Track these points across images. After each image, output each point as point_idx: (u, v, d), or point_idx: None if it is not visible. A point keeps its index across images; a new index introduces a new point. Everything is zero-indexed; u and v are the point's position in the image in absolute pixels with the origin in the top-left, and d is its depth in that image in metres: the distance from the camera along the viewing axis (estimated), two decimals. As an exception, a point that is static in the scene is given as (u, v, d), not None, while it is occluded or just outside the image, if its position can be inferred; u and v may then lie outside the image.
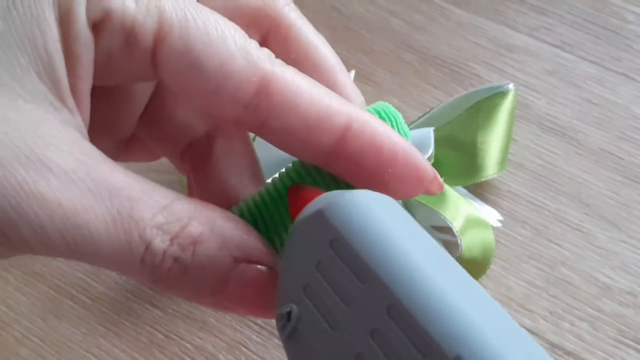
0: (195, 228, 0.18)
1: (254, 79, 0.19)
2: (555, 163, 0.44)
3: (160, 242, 0.18)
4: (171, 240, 0.18)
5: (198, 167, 0.23)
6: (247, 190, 0.22)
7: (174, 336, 0.38)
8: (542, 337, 0.38)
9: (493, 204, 0.42)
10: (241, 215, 0.21)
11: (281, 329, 0.17)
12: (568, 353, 0.38)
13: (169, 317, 0.38)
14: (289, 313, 0.17)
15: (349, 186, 0.20)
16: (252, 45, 0.19)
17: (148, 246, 0.18)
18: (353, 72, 0.47)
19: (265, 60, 0.19)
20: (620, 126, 0.46)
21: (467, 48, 0.49)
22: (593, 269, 0.40)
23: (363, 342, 0.15)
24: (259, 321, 0.38)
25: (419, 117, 0.43)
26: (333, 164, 0.20)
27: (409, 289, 0.15)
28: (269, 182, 0.21)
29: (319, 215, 0.17)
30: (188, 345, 0.38)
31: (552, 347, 0.38)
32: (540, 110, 0.46)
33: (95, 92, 0.20)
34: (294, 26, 0.22)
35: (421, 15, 0.51)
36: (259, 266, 0.19)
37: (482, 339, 0.14)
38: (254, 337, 0.38)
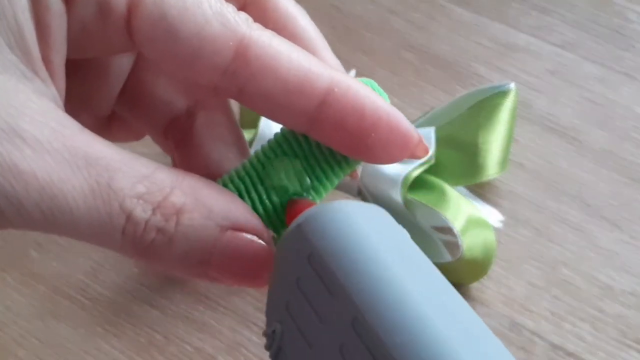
0: (178, 197, 0.18)
1: (231, 44, 0.19)
2: (556, 163, 0.44)
3: (141, 212, 0.18)
4: (153, 210, 0.18)
5: (181, 144, 0.23)
6: (232, 164, 0.22)
7: (173, 337, 0.38)
8: (543, 337, 0.38)
9: (494, 204, 0.42)
10: (225, 187, 0.20)
11: (267, 348, 0.17)
12: (569, 354, 0.37)
13: (168, 318, 0.38)
14: (274, 332, 0.17)
15: (332, 154, 0.20)
16: (229, 9, 0.19)
17: (129, 217, 0.17)
18: (353, 72, 0.47)
19: (242, 24, 0.19)
20: (622, 126, 0.46)
21: (468, 47, 0.49)
22: (594, 270, 0.40)
23: (334, 359, 0.14)
24: (259, 322, 0.38)
25: (420, 117, 0.43)
26: (315, 129, 0.20)
27: (372, 301, 0.14)
28: (252, 154, 0.21)
29: (298, 229, 0.17)
30: (187, 347, 0.37)
31: (553, 347, 0.38)
32: (542, 110, 0.46)
33: (72, 65, 0.19)
34: None
35: (422, 15, 0.51)
36: (246, 235, 0.19)
37: (443, 350, 0.13)
38: (254, 338, 0.38)
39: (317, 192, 0.21)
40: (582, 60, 0.48)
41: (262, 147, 0.21)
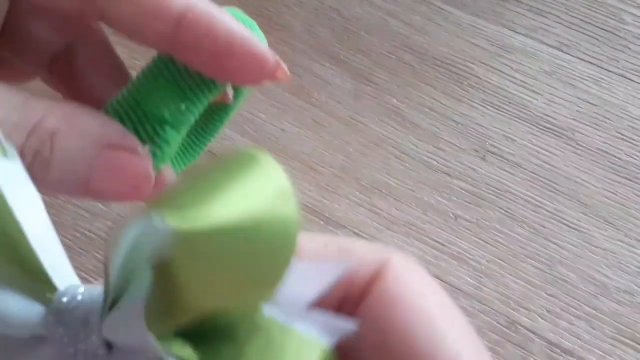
0: (51, 122, 0.19)
1: None
2: (553, 163, 0.44)
3: (16, 139, 0.18)
4: (28, 135, 0.18)
5: (66, 80, 0.23)
6: (114, 95, 0.23)
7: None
8: (540, 335, 0.38)
9: (491, 204, 0.43)
10: (106, 114, 0.21)
11: None
12: (566, 352, 0.38)
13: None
14: None
15: (200, 77, 0.21)
16: None
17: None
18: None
19: None
20: (617, 126, 0.46)
21: (466, 49, 0.49)
22: (591, 268, 0.40)
23: None
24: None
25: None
26: (176, 52, 0.20)
27: None
28: (132, 79, 0.22)
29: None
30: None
31: (550, 345, 0.38)
32: (538, 111, 0.47)
33: None
34: None
35: (420, 17, 0.51)
36: (123, 152, 0.19)
37: None
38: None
39: (189, 111, 0.21)
40: (578, 61, 0.49)
41: (142, 71, 0.22)
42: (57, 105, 0.19)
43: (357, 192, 0.43)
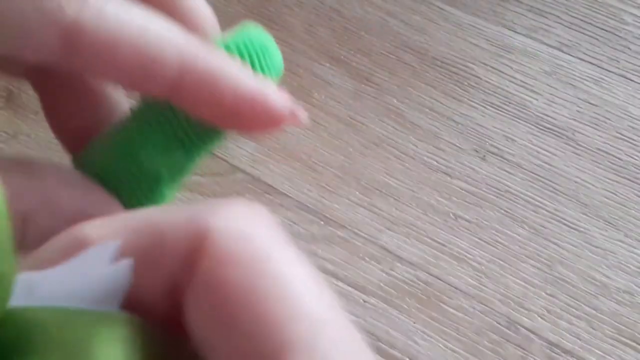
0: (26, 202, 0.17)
1: (56, 36, 0.16)
2: (553, 163, 0.44)
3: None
4: None
5: (42, 93, 0.21)
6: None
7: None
8: (540, 335, 0.38)
9: (491, 204, 0.43)
10: (91, 164, 0.19)
11: None
12: (566, 352, 0.38)
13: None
14: None
15: (201, 125, 0.19)
16: None
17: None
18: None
19: (67, 9, 0.16)
20: (617, 126, 0.46)
21: (466, 49, 0.49)
22: (590, 268, 0.41)
23: None
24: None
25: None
26: (174, 101, 0.18)
27: None
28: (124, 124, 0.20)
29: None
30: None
31: (550, 345, 0.38)
32: (538, 111, 0.47)
33: None
34: None
35: (420, 17, 0.51)
36: None
37: None
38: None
39: (188, 164, 0.19)
40: (578, 62, 0.49)
41: (132, 112, 0.19)
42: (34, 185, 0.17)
43: (357, 192, 0.43)
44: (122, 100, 0.21)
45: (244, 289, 0.13)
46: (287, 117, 0.18)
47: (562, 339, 0.38)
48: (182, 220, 0.14)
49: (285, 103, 0.18)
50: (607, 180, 0.44)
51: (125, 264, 0.14)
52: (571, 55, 0.49)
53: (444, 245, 0.41)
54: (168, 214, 0.15)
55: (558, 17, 0.51)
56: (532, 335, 0.38)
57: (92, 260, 0.15)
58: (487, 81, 0.48)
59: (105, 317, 0.14)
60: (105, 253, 0.14)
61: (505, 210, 0.42)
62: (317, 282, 0.14)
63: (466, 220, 0.42)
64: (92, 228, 0.15)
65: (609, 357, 0.38)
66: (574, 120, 0.46)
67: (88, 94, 0.21)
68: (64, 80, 0.21)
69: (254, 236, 0.14)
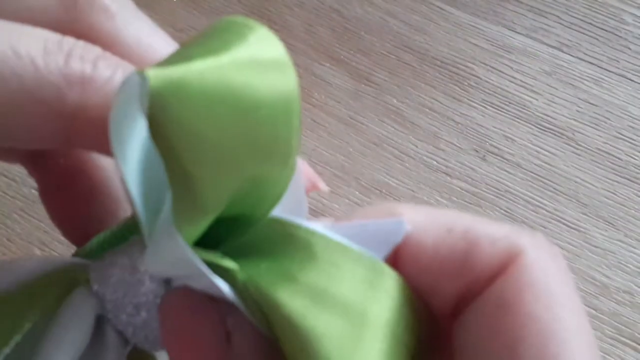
0: None
1: (59, 128, 0.15)
2: (553, 163, 0.45)
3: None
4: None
5: (41, 179, 0.20)
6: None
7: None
8: (540, 335, 0.38)
9: (491, 204, 0.43)
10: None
11: None
12: (566, 351, 0.38)
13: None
14: None
15: None
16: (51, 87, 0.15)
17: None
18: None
19: (69, 101, 0.15)
20: (617, 126, 0.46)
21: (466, 49, 0.49)
22: (590, 268, 0.41)
23: None
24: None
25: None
26: None
27: None
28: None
29: None
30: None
31: (549, 345, 0.38)
32: (538, 111, 0.47)
33: None
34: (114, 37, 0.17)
35: (420, 17, 0.51)
36: None
37: None
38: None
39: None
40: (578, 61, 0.49)
41: (125, 222, 0.19)
42: None
43: (356, 192, 0.43)
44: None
45: (538, 323, 0.13)
46: (308, 189, 0.18)
47: (562, 338, 0.38)
48: (501, 233, 0.14)
49: (307, 176, 0.18)
50: (607, 180, 0.44)
51: (401, 221, 0.15)
52: (571, 55, 0.49)
53: (443, 245, 0.41)
54: (484, 223, 0.15)
55: (558, 17, 0.51)
56: (532, 335, 0.38)
57: (383, 224, 0.15)
58: (487, 81, 0.48)
59: (373, 260, 0.14)
60: (398, 228, 0.15)
61: (505, 210, 0.42)
62: (595, 347, 0.14)
63: (466, 220, 0.42)
64: (406, 208, 0.15)
65: (609, 357, 0.38)
66: (574, 120, 0.46)
67: (90, 182, 0.20)
68: (63, 170, 0.19)
69: (557, 275, 0.14)
